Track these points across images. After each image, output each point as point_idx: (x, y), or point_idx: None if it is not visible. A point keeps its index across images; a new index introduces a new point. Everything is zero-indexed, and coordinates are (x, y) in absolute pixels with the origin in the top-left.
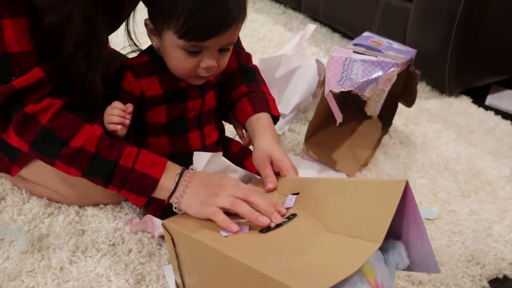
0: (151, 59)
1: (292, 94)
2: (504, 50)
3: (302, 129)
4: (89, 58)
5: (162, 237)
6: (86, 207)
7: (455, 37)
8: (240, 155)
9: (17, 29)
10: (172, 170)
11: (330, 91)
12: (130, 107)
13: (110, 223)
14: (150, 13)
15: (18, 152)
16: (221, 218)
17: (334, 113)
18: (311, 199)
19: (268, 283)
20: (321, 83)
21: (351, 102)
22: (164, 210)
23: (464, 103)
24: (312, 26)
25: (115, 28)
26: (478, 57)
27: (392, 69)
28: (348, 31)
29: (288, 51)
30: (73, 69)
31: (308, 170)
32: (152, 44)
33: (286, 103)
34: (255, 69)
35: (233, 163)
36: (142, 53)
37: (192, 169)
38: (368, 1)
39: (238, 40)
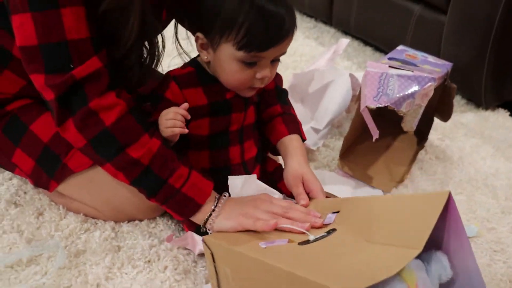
0: (196, 70)
1: (326, 109)
2: None
3: (337, 144)
4: (144, 49)
5: (199, 254)
6: (121, 223)
7: (491, 49)
8: (275, 175)
9: (75, 17)
10: (212, 194)
11: (366, 106)
12: (188, 114)
13: (145, 239)
14: (203, 26)
15: (56, 167)
16: (261, 223)
17: (371, 129)
18: (351, 215)
19: (307, 286)
20: (356, 98)
21: (385, 117)
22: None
23: (501, 116)
24: (345, 41)
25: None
26: None
27: (429, 83)
28: (381, 45)
29: (321, 66)
30: (126, 60)
31: (343, 186)
32: (202, 58)
33: (320, 118)
34: (287, 92)
35: (268, 182)
36: (186, 65)
37: (225, 196)
38: (401, 14)
39: None
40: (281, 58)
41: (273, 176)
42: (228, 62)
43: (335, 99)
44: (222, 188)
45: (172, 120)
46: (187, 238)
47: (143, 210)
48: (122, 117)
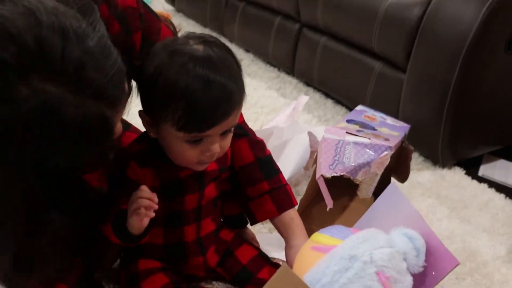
0: (148, 147)
1: (284, 167)
2: (497, 121)
3: None
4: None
5: None
6: None
7: (448, 108)
8: (232, 244)
9: None
10: None
11: (322, 175)
12: (155, 196)
13: None
14: (144, 105)
15: None
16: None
17: (325, 199)
18: None
19: None
20: (314, 159)
21: (342, 179)
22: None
23: (457, 175)
24: (305, 98)
25: None
26: (472, 128)
27: (385, 152)
28: (342, 98)
29: (280, 122)
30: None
31: None
32: (150, 135)
33: None
34: (271, 158)
35: (226, 252)
36: (140, 140)
37: None
38: (362, 69)
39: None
40: (242, 109)
41: (230, 245)
42: (171, 142)
43: (293, 157)
44: (178, 263)
45: (139, 199)
46: None
47: None
48: None
